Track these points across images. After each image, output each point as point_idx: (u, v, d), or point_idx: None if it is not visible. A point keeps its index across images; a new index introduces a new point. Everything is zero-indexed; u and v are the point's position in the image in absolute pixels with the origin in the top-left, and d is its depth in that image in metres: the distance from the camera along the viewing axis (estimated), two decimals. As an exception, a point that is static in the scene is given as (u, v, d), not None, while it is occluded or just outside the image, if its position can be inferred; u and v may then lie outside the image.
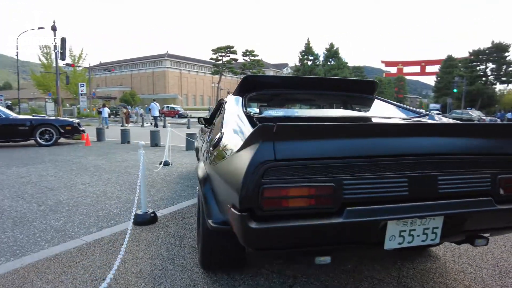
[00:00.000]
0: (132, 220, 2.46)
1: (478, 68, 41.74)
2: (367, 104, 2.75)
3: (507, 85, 44.56)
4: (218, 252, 2.11)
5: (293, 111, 2.76)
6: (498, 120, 27.47)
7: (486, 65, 41.22)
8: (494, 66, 40.66)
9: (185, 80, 75.44)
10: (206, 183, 2.11)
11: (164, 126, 19.96)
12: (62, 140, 10.13)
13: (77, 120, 10.31)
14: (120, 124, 21.41)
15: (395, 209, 1.50)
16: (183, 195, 4.35)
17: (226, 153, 1.78)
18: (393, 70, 75.51)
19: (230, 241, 2.05)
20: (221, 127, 2.27)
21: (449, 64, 43.66)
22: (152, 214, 3.31)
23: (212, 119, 4.18)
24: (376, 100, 2.86)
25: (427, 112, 2.58)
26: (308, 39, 45.14)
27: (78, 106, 33.63)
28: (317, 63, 45.33)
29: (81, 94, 30.17)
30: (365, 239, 1.56)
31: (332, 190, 1.44)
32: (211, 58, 47.22)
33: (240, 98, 2.50)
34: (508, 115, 32.18)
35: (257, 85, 2.71)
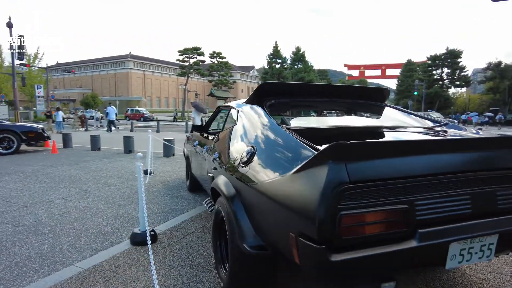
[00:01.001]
0: (149, 240, 2.19)
1: (435, 72, 44.53)
2: (384, 113, 2.69)
3: (460, 89, 48.06)
4: (250, 277, 1.92)
5: (322, 121, 2.63)
6: (455, 121, 29.30)
7: (442, 69, 44.13)
8: (449, 71, 43.60)
9: (149, 82, 73.07)
10: (235, 201, 1.92)
11: (131, 130, 19.15)
12: (23, 147, 9.31)
13: (41, 126, 9.53)
14: (75, 129, 20.20)
15: (463, 228, 1.42)
16: (176, 208, 4.07)
17: (272, 171, 1.61)
18: (355, 73, 78.23)
19: (265, 265, 1.88)
20: (246, 140, 2.08)
21: (409, 68, 46.10)
22: (152, 233, 3.03)
23: (208, 127, 3.95)
24: (390, 109, 2.81)
25: (447, 122, 2.56)
26: (276, 42, 45.58)
27: (34, 109, 31.37)
28: (285, 66, 45.84)
29: (38, 97, 28.14)
30: (431, 261, 1.46)
31: (406, 212, 1.34)
32: (178, 60, 45.99)
33: (260, 107, 2.33)
34: (463, 116, 34.49)
35: (274, 92, 2.54)
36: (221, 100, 47.07)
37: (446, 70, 43.89)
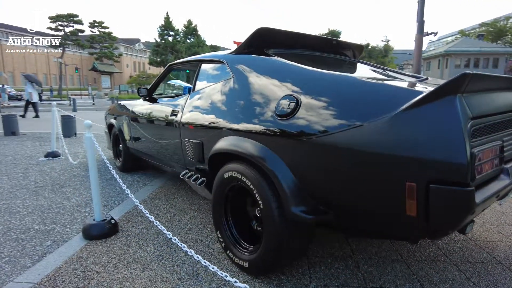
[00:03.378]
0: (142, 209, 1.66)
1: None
2: (374, 68, 2.62)
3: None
4: (291, 249, 1.63)
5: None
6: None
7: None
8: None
9: (9, 55, 60.19)
10: (270, 160, 1.57)
11: (-2, 111, 15.50)
12: None
13: None
14: None
15: None
16: (116, 192, 3.36)
17: (346, 119, 1.32)
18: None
19: (310, 230, 1.65)
20: (270, 92, 1.70)
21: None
22: (112, 221, 2.38)
23: (154, 90, 3.32)
24: (370, 65, 2.76)
25: (427, 77, 2.64)
26: (167, 13, 42.58)
27: None
28: (178, 39, 43.56)
29: None
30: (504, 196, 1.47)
31: (501, 148, 1.29)
32: (49, 28, 38.88)
33: (268, 56, 1.96)
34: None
35: (272, 41, 2.18)
36: (105, 75, 42.16)
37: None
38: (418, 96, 1.14)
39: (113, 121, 4.10)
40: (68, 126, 6.94)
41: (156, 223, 1.80)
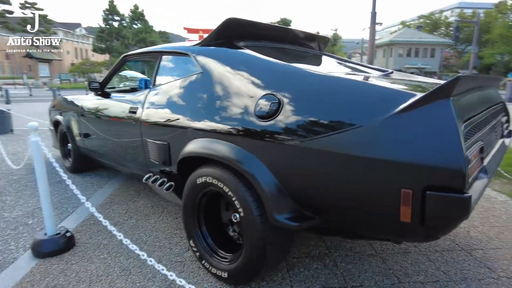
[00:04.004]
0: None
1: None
2: (339, 61, 2.59)
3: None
4: (276, 256, 1.57)
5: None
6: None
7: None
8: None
9: None
10: (249, 164, 1.47)
11: None
12: None
13: None
14: None
15: None
16: (68, 197, 3.04)
17: (334, 121, 1.25)
18: (195, 37, 77.90)
19: (289, 237, 1.61)
20: (246, 89, 1.57)
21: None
22: (68, 234, 2.13)
23: (107, 84, 3.01)
24: (338, 58, 2.74)
25: (392, 70, 2.68)
26: (111, -5, 39.64)
27: None
28: (124, 24, 41.03)
29: None
30: None
31: (482, 149, 1.31)
32: (-30, 8, 34.36)
33: (241, 49, 1.83)
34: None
35: (242, 32, 2.03)
36: (43, 62, 38.60)
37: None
38: (412, 99, 1.10)
39: (59, 117, 3.68)
40: (2, 122, 6.18)
41: (127, 241, 1.61)
